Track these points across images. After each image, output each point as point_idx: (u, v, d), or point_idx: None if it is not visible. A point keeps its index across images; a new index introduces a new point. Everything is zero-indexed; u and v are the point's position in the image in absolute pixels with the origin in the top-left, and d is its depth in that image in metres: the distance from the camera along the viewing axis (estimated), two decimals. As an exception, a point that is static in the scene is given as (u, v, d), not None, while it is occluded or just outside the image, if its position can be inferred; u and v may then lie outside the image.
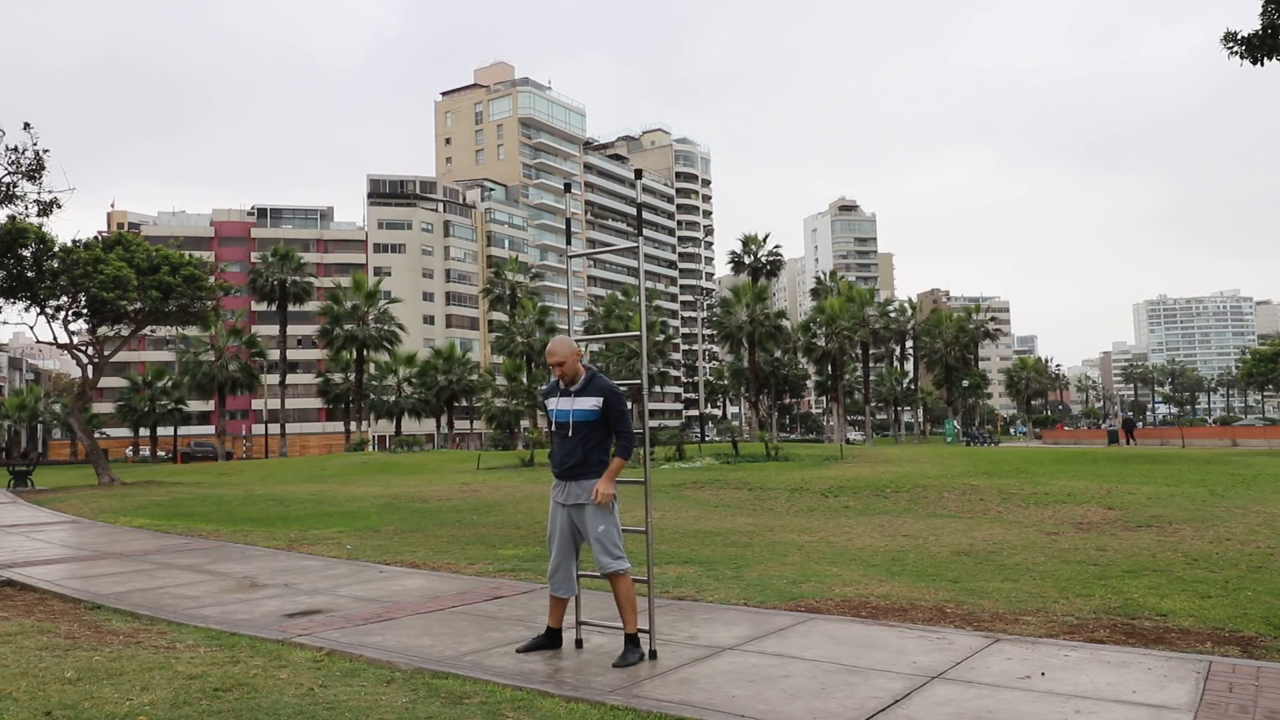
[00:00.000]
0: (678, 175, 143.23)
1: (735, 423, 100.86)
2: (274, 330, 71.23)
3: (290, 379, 71.25)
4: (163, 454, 73.56)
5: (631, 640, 5.25)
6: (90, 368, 28.99)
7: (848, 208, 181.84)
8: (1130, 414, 77.19)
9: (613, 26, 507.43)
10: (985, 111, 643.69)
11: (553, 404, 5.46)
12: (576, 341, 5.49)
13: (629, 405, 5.40)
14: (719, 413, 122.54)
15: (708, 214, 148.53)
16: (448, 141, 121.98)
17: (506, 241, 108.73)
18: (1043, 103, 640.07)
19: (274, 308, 66.51)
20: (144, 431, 74.17)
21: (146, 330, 36.93)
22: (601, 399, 5.30)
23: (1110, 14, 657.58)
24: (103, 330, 29.07)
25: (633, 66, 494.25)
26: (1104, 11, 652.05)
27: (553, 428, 5.46)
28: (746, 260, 77.49)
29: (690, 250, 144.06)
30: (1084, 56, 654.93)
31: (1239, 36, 10.22)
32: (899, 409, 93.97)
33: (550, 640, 5.50)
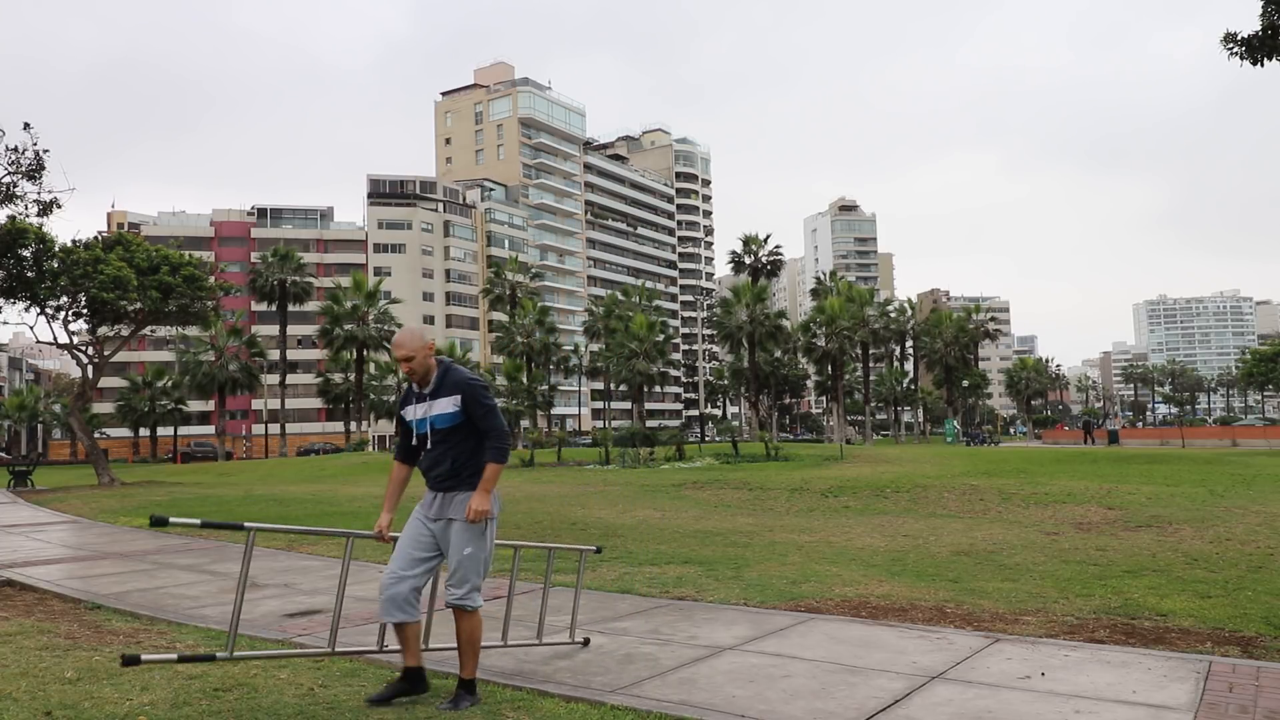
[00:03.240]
0: (678, 175, 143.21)
1: (735, 423, 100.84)
2: (274, 330, 71.21)
3: (290, 379, 71.23)
4: (165, 456, 73.51)
5: (466, 686, 4.41)
6: (90, 368, 28.99)
7: (848, 208, 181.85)
8: (1090, 417, 78.14)
9: (619, 29, 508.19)
10: (989, 112, 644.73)
11: (408, 413, 4.63)
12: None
13: (494, 399, 4.64)
14: (719, 413, 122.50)
15: (708, 214, 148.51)
16: (448, 141, 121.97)
17: (506, 241, 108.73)
18: (1046, 103, 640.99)
19: (274, 308, 66.50)
20: (144, 431, 74.19)
21: (146, 330, 36.88)
22: (459, 396, 4.46)
23: (1114, 15, 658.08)
24: (103, 330, 29.07)
25: (639, 68, 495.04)
26: (1108, 13, 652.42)
27: (413, 440, 4.65)
28: (747, 260, 77.45)
29: (690, 250, 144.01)
30: (1088, 57, 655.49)
31: (1239, 37, 10.22)
32: (899, 409, 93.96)
33: (412, 684, 4.46)
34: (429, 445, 4.53)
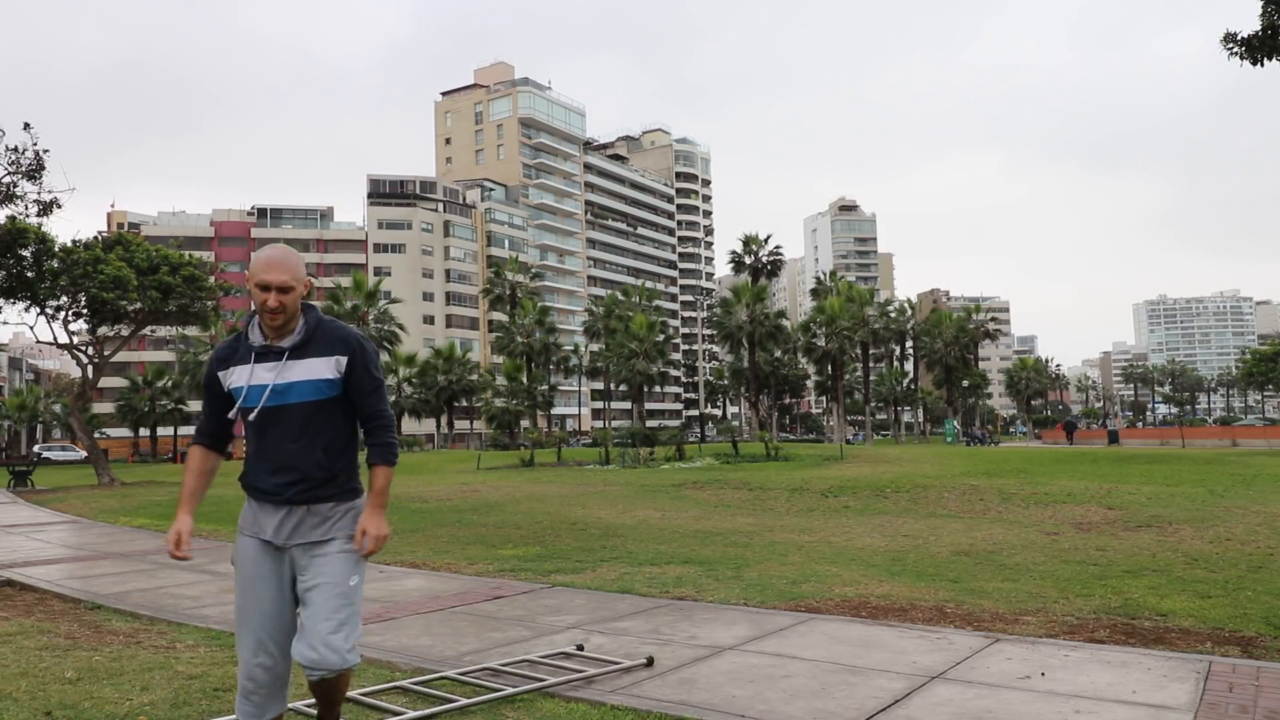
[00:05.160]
0: (678, 175, 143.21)
1: (735, 423, 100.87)
2: (274, 330, 71.05)
3: (290, 379, 71.04)
4: (165, 456, 73.50)
5: None
6: (90, 368, 28.99)
7: (848, 208, 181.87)
8: (1073, 418, 78.70)
9: (623, 30, 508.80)
10: (991, 113, 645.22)
11: (234, 377, 3.19)
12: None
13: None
14: (719, 413, 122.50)
15: (708, 214, 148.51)
16: (448, 141, 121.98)
17: (506, 241, 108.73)
18: (1047, 104, 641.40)
19: (274, 308, 66.37)
20: (144, 431, 74.15)
21: (146, 330, 36.89)
22: (343, 358, 3.15)
23: (1115, 16, 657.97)
24: (103, 330, 29.07)
25: (643, 69, 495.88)
26: (1109, 14, 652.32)
27: (239, 416, 3.23)
28: (747, 260, 77.43)
29: (690, 250, 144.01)
30: (1089, 58, 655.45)
31: (1239, 37, 10.22)
32: (899, 409, 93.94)
33: None
34: (270, 430, 3.12)
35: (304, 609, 3.11)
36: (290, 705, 4.28)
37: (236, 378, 3.17)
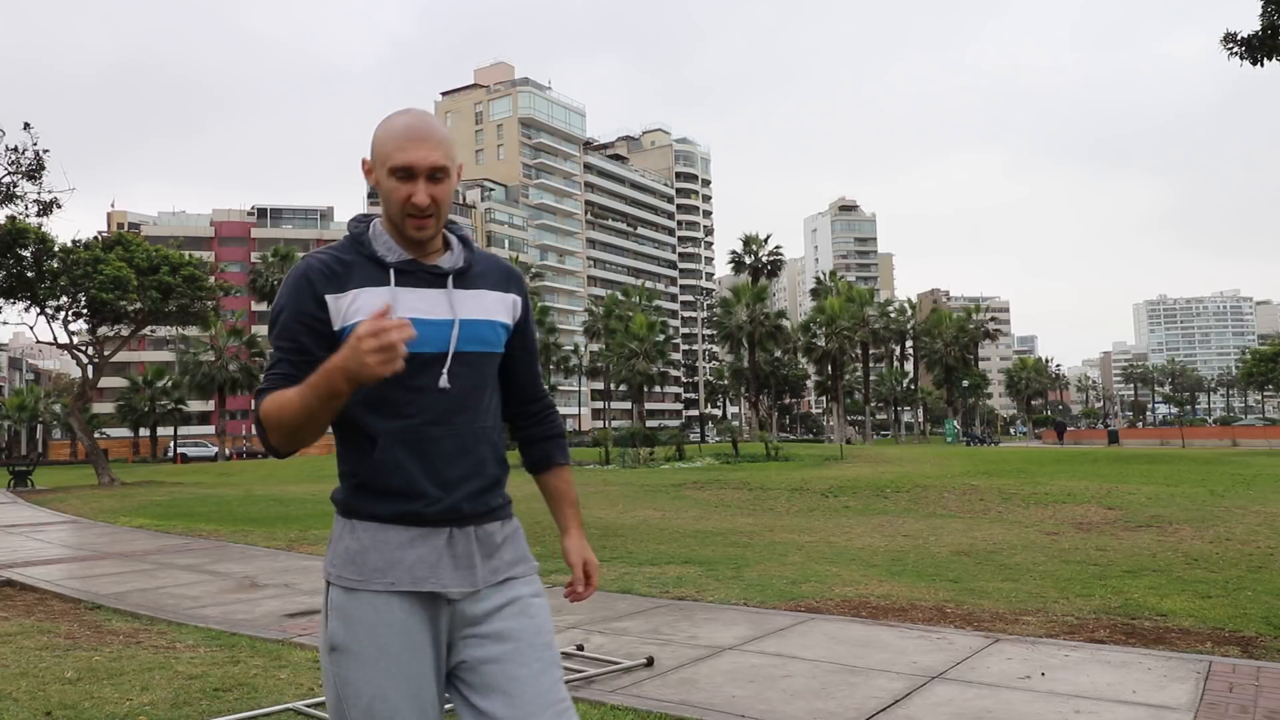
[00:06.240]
0: (678, 175, 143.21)
1: (735, 423, 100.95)
2: (274, 330, 71.12)
3: (290, 379, 71.11)
4: (164, 456, 73.52)
5: None
6: (90, 368, 29.01)
7: (848, 208, 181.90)
8: (1062, 419, 79.05)
9: (625, 31, 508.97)
10: (992, 113, 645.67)
11: (369, 304, 1.81)
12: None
13: None
14: (719, 413, 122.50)
15: (708, 214, 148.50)
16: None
17: (506, 241, 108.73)
18: (1049, 104, 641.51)
19: (274, 308, 66.49)
20: (144, 431, 74.19)
21: (146, 330, 36.91)
22: (520, 300, 2.05)
23: (1117, 17, 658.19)
24: (103, 330, 29.08)
25: (645, 70, 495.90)
26: (1110, 14, 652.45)
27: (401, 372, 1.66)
28: (747, 260, 77.48)
29: (690, 250, 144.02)
30: (1090, 59, 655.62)
31: (1239, 37, 10.22)
32: (899, 409, 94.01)
33: None
34: (430, 396, 1.85)
35: (490, 698, 1.83)
36: (290, 705, 4.29)
37: (369, 306, 1.79)
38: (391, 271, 1.84)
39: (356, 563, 1.82)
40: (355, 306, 1.80)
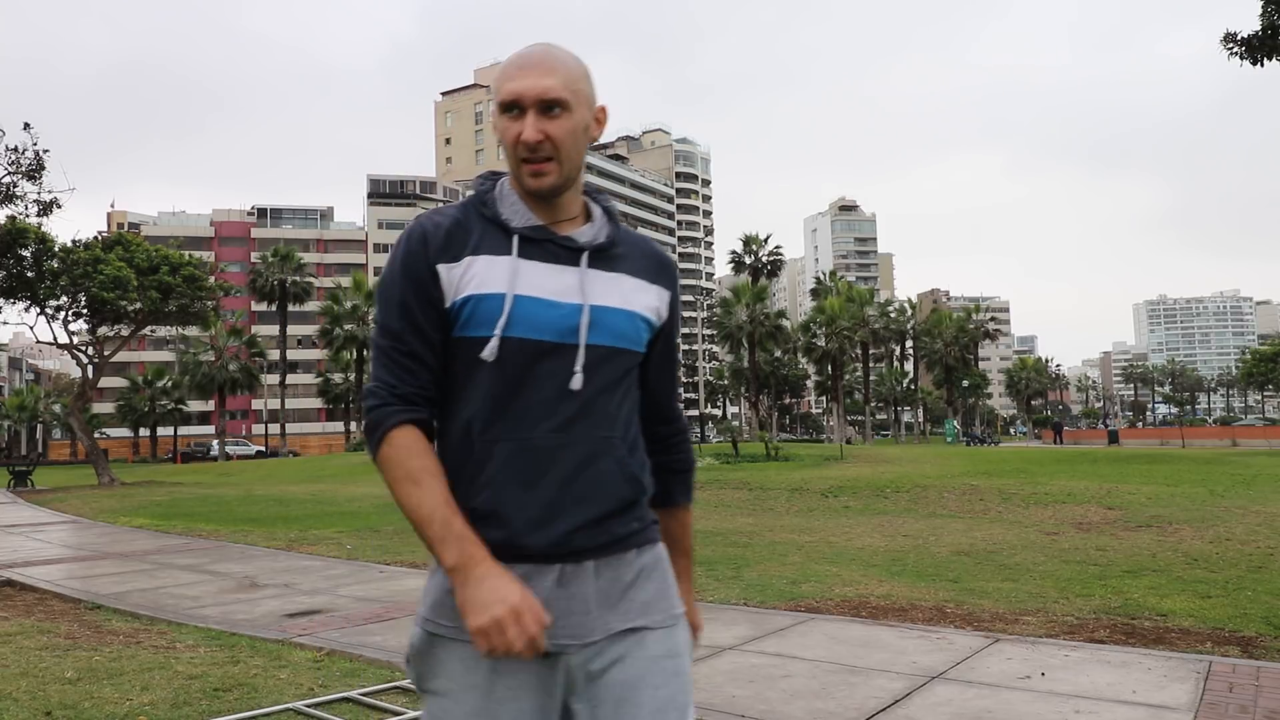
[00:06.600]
0: (678, 175, 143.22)
1: (735, 423, 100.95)
2: (274, 330, 71.26)
3: (290, 379, 71.26)
4: (165, 456, 73.53)
5: None
6: (90, 368, 29.01)
7: (848, 208, 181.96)
8: (1058, 419, 79.24)
9: (627, 31, 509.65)
10: (992, 113, 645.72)
11: (489, 275, 1.50)
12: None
13: None
14: (719, 413, 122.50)
15: (708, 214, 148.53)
16: (448, 141, 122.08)
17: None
18: (1049, 104, 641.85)
19: (274, 308, 66.56)
20: (144, 431, 74.20)
21: (146, 330, 36.90)
22: (669, 295, 1.66)
23: (1117, 17, 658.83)
24: (103, 330, 29.09)
25: (646, 70, 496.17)
26: (1111, 14, 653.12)
27: (495, 355, 1.49)
28: (747, 260, 77.50)
29: (690, 250, 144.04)
30: (1090, 59, 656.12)
31: (1239, 37, 10.23)
32: (899, 409, 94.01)
33: None
34: (557, 394, 1.51)
35: None
36: (290, 705, 4.29)
37: (484, 277, 1.50)
38: (515, 239, 1.54)
39: (449, 604, 1.47)
40: (469, 277, 1.50)
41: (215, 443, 64.00)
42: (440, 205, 1.59)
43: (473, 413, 1.50)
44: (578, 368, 1.50)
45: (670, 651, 1.56)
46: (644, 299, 1.61)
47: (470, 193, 1.61)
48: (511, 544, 1.47)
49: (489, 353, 1.47)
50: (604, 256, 1.58)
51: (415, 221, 1.57)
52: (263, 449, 65.95)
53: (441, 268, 1.51)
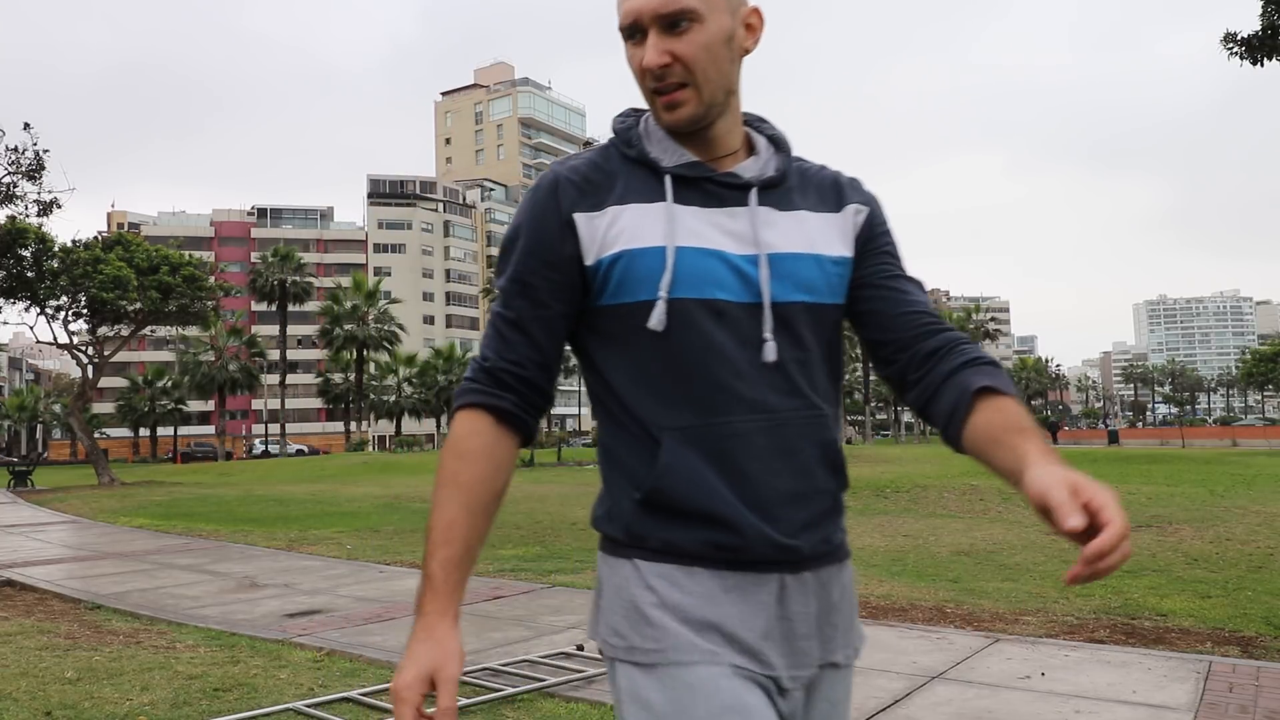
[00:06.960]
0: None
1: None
2: (274, 330, 71.25)
3: (290, 379, 71.24)
4: (165, 456, 73.56)
5: None
6: (90, 368, 29.03)
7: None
8: (1054, 419, 79.29)
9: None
10: (992, 113, 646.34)
11: (640, 228, 1.24)
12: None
13: None
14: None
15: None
16: (448, 141, 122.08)
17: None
18: (1049, 105, 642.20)
19: (274, 308, 66.53)
20: (144, 431, 74.21)
21: (146, 330, 36.91)
22: (866, 214, 1.37)
23: (1117, 17, 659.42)
24: (103, 330, 29.11)
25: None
26: (1111, 15, 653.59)
27: (665, 322, 1.21)
28: (746, 260, 77.44)
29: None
30: (1091, 59, 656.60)
31: (1239, 37, 10.23)
32: (899, 409, 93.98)
33: None
34: (750, 367, 1.23)
35: None
36: (290, 705, 4.29)
37: (637, 229, 1.25)
38: (668, 180, 1.26)
39: (655, 623, 1.22)
40: (618, 230, 1.24)
41: (257, 441, 64.53)
42: (568, 156, 1.34)
43: (642, 396, 1.24)
44: (767, 333, 1.23)
45: (847, 693, 1.37)
46: (830, 235, 1.33)
47: (611, 135, 1.35)
48: (726, 546, 1.22)
49: (657, 320, 1.20)
50: (776, 193, 1.32)
51: (551, 168, 1.32)
52: (303, 448, 66.60)
53: (580, 217, 1.25)
